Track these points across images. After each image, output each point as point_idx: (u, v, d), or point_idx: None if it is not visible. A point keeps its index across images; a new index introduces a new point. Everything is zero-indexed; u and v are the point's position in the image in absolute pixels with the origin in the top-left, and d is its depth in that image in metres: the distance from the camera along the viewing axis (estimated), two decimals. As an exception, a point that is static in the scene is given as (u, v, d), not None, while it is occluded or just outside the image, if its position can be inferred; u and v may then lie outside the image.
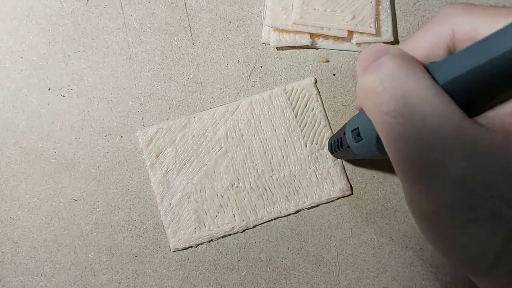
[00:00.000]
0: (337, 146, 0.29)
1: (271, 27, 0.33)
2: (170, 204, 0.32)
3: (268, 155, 0.32)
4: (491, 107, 0.17)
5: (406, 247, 0.32)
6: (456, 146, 0.15)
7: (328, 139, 0.32)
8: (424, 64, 0.18)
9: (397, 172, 0.18)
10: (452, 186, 0.16)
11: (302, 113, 0.33)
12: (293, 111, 0.33)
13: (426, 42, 0.19)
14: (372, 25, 0.32)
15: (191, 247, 0.31)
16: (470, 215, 0.16)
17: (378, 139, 0.21)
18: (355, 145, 0.24)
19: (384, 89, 0.17)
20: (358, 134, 0.24)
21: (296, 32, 0.33)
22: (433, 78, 0.17)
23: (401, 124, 0.16)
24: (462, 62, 0.16)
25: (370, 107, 0.18)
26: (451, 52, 0.19)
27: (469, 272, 0.18)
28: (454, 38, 0.18)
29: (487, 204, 0.15)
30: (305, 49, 0.34)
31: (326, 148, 0.32)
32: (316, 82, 0.33)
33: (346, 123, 0.26)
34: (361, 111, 0.24)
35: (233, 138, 0.32)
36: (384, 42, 0.33)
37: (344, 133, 0.26)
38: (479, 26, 0.17)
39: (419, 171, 0.16)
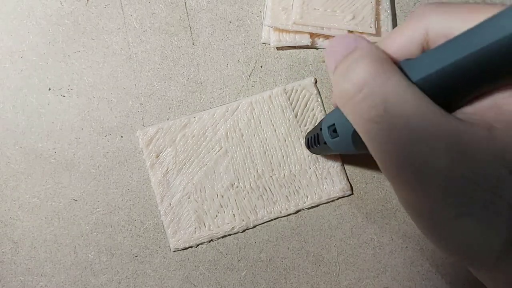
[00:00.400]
0: (314, 142, 0.29)
1: (271, 27, 0.33)
2: (170, 204, 0.32)
3: (268, 155, 0.32)
4: (469, 101, 0.17)
5: (406, 247, 0.32)
6: (440, 142, 0.15)
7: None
8: (398, 61, 0.18)
9: (385, 174, 0.18)
10: (440, 182, 0.16)
11: (302, 113, 0.33)
12: (293, 111, 0.33)
13: (400, 41, 0.19)
14: (372, 25, 0.32)
15: (191, 247, 0.31)
16: (462, 209, 0.16)
17: (353, 135, 0.21)
18: (331, 141, 0.25)
19: (363, 97, 0.17)
20: (334, 131, 0.24)
21: (296, 32, 0.33)
22: (407, 75, 0.17)
23: (384, 129, 0.16)
24: (435, 59, 0.16)
25: (350, 113, 0.18)
26: (425, 51, 0.19)
27: (474, 268, 0.18)
28: (428, 37, 0.18)
29: (479, 197, 0.15)
30: (305, 49, 0.34)
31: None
32: (316, 82, 0.33)
33: (322, 120, 0.27)
34: (337, 108, 0.24)
35: (233, 138, 0.32)
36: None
37: (321, 129, 0.26)
38: (452, 26, 0.17)
39: (406, 171, 0.17)
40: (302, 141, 0.32)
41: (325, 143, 0.26)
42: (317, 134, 0.28)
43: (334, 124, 0.24)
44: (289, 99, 0.33)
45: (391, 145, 0.17)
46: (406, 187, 0.17)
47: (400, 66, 0.18)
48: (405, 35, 0.19)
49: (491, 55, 0.15)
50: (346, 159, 0.32)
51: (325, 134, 0.25)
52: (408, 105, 0.16)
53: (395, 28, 0.20)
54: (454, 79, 0.16)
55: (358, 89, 0.17)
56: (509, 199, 0.15)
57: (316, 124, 0.31)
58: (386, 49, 0.19)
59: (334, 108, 0.25)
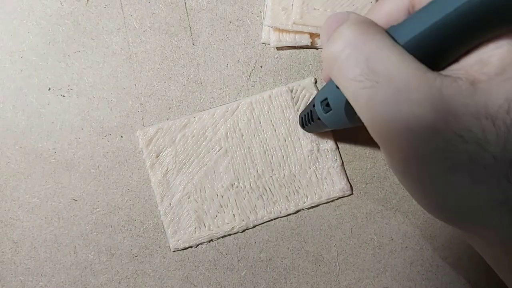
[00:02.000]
0: (308, 120, 0.29)
1: (271, 27, 0.33)
2: (170, 204, 0.32)
3: (268, 155, 0.32)
4: (456, 59, 0.17)
5: (406, 247, 0.32)
6: (424, 97, 0.16)
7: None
8: (385, 29, 0.19)
9: (372, 134, 0.18)
10: (425, 137, 0.16)
11: (302, 113, 0.33)
12: (293, 111, 0.33)
13: (386, 8, 0.20)
14: (372, 25, 0.32)
15: (191, 247, 0.32)
16: (448, 163, 0.16)
17: (346, 107, 0.21)
18: (324, 116, 0.25)
19: (347, 56, 0.17)
20: (327, 105, 0.24)
21: (296, 32, 0.33)
22: (394, 40, 0.17)
23: (368, 87, 0.17)
24: (419, 21, 0.17)
25: (336, 75, 0.18)
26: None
27: (461, 226, 0.18)
28: (414, 1, 0.19)
29: (464, 149, 0.15)
30: (305, 49, 0.34)
31: (325, 148, 0.32)
32: (316, 82, 0.33)
33: (315, 96, 0.27)
34: (328, 81, 0.24)
35: (233, 138, 0.32)
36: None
37: (314, 105, 0.26)
38: None
39: (392, 128, 0.17)
40: (302, 141, 0.32)
41: (318, 118, 0.26)
42: (310, 111, 0.28)
43: (326, 98, 0.24)
44: (289, 99, 0.33)
45: (375, 104, 0.17)
46: (395, 146, 0.17)
47: (387, 32, 0.18)
48: (391, 2, 0.20)
49: (467, 13, 0.15)
50: (346, 158, 0.33)
51: (318, 109, 0.25)
52: (391, 62, 0.16)
53: None
54: (436, 39, 0.16)
55: (342, 49, 0.18)
56: (494, 151, 0.15)
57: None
58: (374, 17, 0.20)
59: (325, 83, 0.25)
